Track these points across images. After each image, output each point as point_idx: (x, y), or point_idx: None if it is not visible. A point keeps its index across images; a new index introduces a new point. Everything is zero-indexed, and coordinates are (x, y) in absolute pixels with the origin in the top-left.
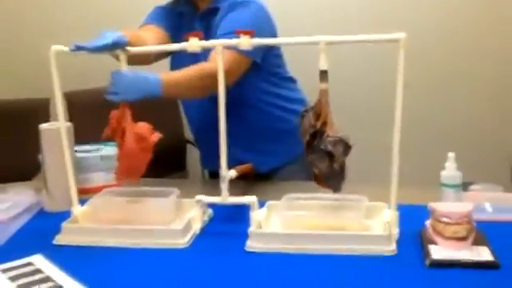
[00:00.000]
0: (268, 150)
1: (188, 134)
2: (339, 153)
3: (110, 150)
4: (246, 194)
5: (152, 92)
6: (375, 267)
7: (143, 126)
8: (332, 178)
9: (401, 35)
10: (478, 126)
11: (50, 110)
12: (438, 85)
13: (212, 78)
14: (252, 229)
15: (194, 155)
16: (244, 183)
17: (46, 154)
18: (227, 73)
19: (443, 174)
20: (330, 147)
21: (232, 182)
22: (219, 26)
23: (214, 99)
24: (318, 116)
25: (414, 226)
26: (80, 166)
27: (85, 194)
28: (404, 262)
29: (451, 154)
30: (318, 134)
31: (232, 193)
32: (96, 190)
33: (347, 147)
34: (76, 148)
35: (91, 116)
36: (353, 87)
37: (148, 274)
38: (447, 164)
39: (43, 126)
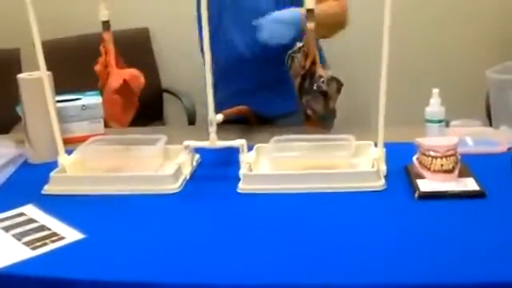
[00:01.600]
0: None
1: (165, 83)
2: (333, 91)
3: (90, 99)
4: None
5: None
6: (366, 203)
7: (125, 73)
8: (327, 118)
9: None
10: (458, 64)
11: (21, 60)
12: (422, 23)
13: (343, 19)
14: (243, 171)
15: (171, 105)
16: (237, 129)
17: (27, 104)
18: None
19: (427, 110)
20: (324, 87)
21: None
22: None
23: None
24: (306, 56)
25: (400, 162)
26: (60, 116)
27: (67, 144)
28: (393, 197)
29: (435, 90)
30: (308, 75)
31: (222, 138)
32: (78, 140)
33: (339, 85)
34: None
35: (67, 66)
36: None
37: (141, 220)
38: (431, 100)
39: (22, 76)
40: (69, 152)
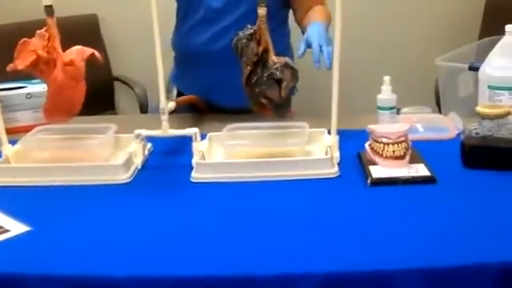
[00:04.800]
0: None
1: (116, 71)
2: (287, 78)
3: (36, 87)
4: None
5: None
6: (320, 190)
7: (71, 52)
8: (281, 106)
9: None
10: (408, 53)
11: None
12: (373, 10)
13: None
14: (196, 159)
15: (122, 94)
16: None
17: None
18: None
19: (379, 97)
20: (278, 74)
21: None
22: None
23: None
24: (258, 43)
25: (354, 149)
26: (4, 105)
27: (11, 134)
28: (346, 184)
29: (386, 78)
30: (260, 62)
31: (174, 127)
32: (23, 130)
33: (294, 72)
34: None
35: (6, 53)
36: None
37: (90, 212)
38: (383, 87)
39: None
40: (13, 142)
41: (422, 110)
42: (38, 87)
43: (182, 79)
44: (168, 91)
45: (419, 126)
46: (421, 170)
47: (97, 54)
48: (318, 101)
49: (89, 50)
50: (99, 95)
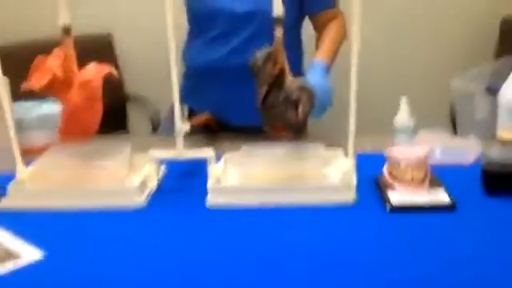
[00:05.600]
0: None
1: (129, 89)
2: (304, 100)
3: (49, 107)
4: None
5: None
6: (337, 216)
7: (87, 71)
8: (297, 128)
9: None
10: (421, 73)
11: None
12: (388, 32)
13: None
14: (212, 184)
15: (135, 113)
16: (203, 138)
17: None
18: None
19: (396, 119)
20: (295, 95)
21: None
22: None
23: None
24: (274, 64)
25: (370, 173)
26: (18, 125)
27: (25, 154)
28: (364, 210)
29: (404, 99)
30: (276, 84)
31: (187, 147)
32: (37, 151)
33: (311, 94)
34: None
35: (21, 72)
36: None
37: (104, 237)
38: (400, 109)
39: None
40: (27, 163)
41: (439, 132)
42: (52, 107)
43: (192, 96)
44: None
45: (437, 150)
46: (441, 196)
47: (113, 71)
48: (334, 121)
49: (105, 69)
50: (112, 114)
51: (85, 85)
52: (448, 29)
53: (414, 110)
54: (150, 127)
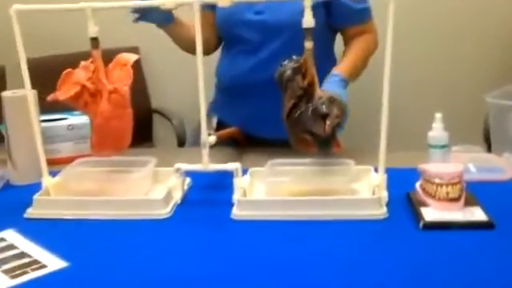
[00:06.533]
0: None
1: (156, 103)
2: (334, 113)
3: (78, 118)
4: (231, 161)
5: None
6: (367, 232)
7: (115, 76)
8: (324, 142)
9: None
10: (455, 89)
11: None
12: (421, 46)
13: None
14: (238, 196)
15: (160, 126)
16: (228, 150)
17: (11, 123)
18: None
19: (430, 134)
20: (324, 108)
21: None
22: None
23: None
24: (304, 77)
25: (402, 189)
26: (45, 136)
27: (52, 165)
28: (396, 226)
29: (438, 115)
30: (304, 96)
31: (213, 160)
32: (64, 161)
33: (341, 106)
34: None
35: (53, 84)
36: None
37: (129, 248)
38: (434, 125)
39: (6, 94)
40: (53, 174)
41: (473, 148)
42: (79, 119)
43: (222, 108)
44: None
45: (472, 167)
46: (477, 214)
47: (133, 57)
48: (365, 137)
49: (127, 61)
50: (137, 127)
51: (112, 92)
52: (482, 44)
53: (447, 125)
54: (175, 140)
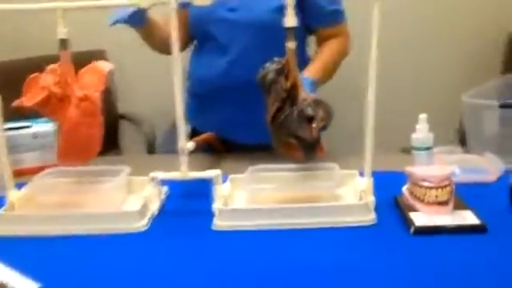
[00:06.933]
0: None
1: (123, 107)
2: (320, 116)
3: (43, 126)
4: (208, 168)
5: None
6: (356, 238)
7: (84, 83)
8: (310, 146)
9: None
10: (430, 89)
11: None
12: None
13: (345, 54)
14: (219, 206)
15: (127, 132)
16: (205, 157)
17: None
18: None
19: (414, 136)
20: (310, 111)
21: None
22: None
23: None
24: (286, 78)
25: (388, 193)
26: (9, 146)
27: (16, 177)
28: (385, 232)
29: (422, 116)
30: (288, 99)
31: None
32: (29, 172)
33: (327, 108)
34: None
35: (16, 90)
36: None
37: (105, 264)
38: (418, 126)
39: None
40: (19, 186)
41: (454, 149)
42: (44, 126)
43: (196, 114)
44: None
45: (456, 168)
46: (468, 218)
47: (108, 67)
48: (344, 137)
49: (103, 79)
50: (103, 133)
51: (83, 100)
52: (452, 43)
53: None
54: (144, 147)
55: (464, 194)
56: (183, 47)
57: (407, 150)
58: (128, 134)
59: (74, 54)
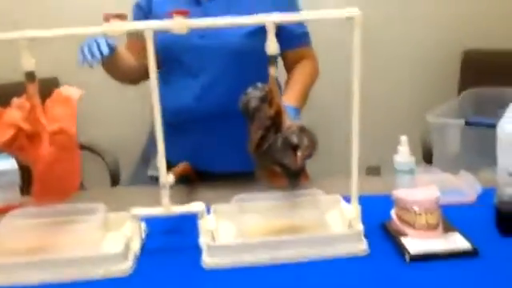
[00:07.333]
0: None
1: (84, 137)
2: (305, 144)
3: (4, 162)
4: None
5: None
6: (349, 269)
7: (57, 114)
8: (295, 173)
9: (355, 12)
10: (389, 106)
11: None
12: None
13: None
14: (206, 241)
15: (88, 164)
16: (181, 188)
17: None
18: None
19: (397, 159)
20: (295, 139)
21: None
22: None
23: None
24: (270, 106)
25: (374, 218)
26: None
27: None
28: (378, 260)
29: (404, 138)
30: (272, 127)
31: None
32: None
33: (312, 136)
34: None
35: None
36: None
37: None
38: (400, 148)
39: None
40: None
41: (430, 169)
42: (6, 163)
43: (166, 145)
44: (145, 160)
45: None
46: (459, 241)
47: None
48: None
49: (74, 107)
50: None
51: (57, 133)
52: (410, 65)
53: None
54: (107, 179)
55: (448, 216)
56: (146, 76)
57: (373, 171)
58: (89, 167)
59: (22, 83)
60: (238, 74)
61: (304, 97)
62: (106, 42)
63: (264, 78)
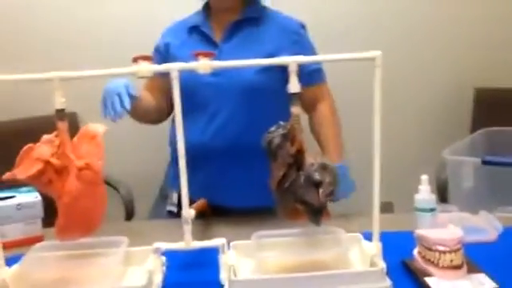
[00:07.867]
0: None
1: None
2: (327, 181)
3: (27, 196)
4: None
5: None
6: None
7: (84, 151)
8: (317, 211)
9: (377, 53)
10: (401, 145)
11: None
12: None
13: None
14: (229, 276)
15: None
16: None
17: None
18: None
19: (418, 198)
20: (317, 176)
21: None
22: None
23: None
24: (292, 143)
25: (395, 255)
26: None
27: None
28: None
29: (424, 177)
30: (294, 164)
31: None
32: (13, 245)
33: (334, 173)
34: None
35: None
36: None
37: None
38: (421, 187)
39: None
40: (9, 262)
41: (448, 208)
42: (28, 196)
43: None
44: (163, 196)
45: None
46: (485, 282)
47: (101, 129)
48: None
49: (96, 135)
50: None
51: (84, 169)
52: (422, 103)
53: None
54: (121, 212)
55: (471, 256)
56: (165, 116)
57: (386, 207)
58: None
59: (44, 118)
60: (251, 109)
61: (342, 148)
62: (128, 91)
63: (277, 113)
